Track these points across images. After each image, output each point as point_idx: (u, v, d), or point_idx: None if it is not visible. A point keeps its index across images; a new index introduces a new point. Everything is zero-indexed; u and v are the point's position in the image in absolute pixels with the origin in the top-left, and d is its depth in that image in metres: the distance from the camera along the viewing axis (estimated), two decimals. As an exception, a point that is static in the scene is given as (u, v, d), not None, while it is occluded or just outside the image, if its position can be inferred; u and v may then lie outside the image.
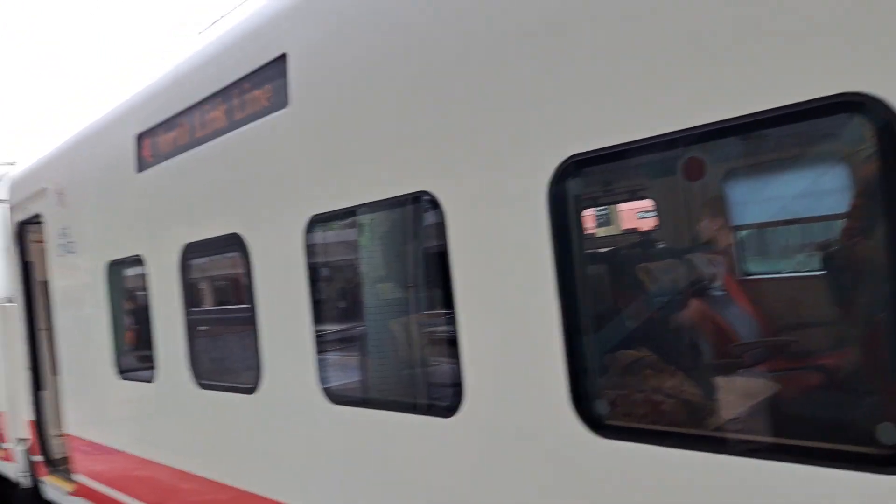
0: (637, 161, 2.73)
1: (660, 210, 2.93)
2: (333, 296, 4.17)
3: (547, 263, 2.71)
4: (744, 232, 3.73)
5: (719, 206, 3.31)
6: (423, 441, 3.39)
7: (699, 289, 3.07)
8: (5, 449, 9.40)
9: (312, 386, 3.98)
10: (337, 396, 3.90)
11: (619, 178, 2.93)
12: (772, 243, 3.83)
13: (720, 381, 2.79)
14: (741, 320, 3.28)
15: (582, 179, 2.75)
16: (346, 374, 4.06)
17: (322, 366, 3.98)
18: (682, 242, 3.09)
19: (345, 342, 4.15)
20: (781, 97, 2.09)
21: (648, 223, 3.13)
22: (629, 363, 2.86)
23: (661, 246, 2.93)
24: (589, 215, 2.88)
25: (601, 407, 2.70)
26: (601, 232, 3.20)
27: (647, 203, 2.97)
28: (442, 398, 3.34)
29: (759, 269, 3.84)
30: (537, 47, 2.75)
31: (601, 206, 3.08)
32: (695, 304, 3.06)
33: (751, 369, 2.90)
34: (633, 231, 3.33)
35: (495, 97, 2.93)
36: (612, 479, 2.62)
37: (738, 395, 2.73)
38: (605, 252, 3.22)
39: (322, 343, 3.99)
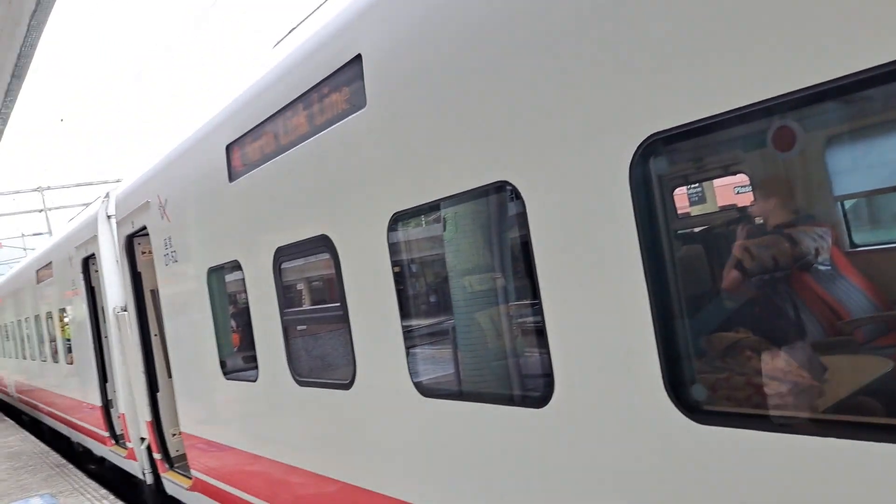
0: (721, 135, 2.61)
1: (753, 184, 2.78)
2: (420, 290, 4.21)
3: (633, 246, 2.63)
4: (849, 202, 3.50)
5: (819, 176, 3.12)
6: (514, 432, 3.38)
7: (802, 264, 2.90)
8: (129, 448, 10.06)
9: (404, 380, 4.04)
10: (427, 390, 3.94)
11: (703, 154, 2.80)
12: (881, 212, 3.58)
13: (829, 360, 2.63)
14: (850, 295, 3.08)
15: (664, 158, 2.65)
16: (436, 368, 4.09)
17: (412, 360, 4.03)
18: (780, 217, 2.92)
19: (433, 336, 4.18)
20: (885, 54, 1.94)
21: (740, 199, 2.98)
22: (728, 345, 2.74)
23: (757, 222, 2.78)
24: (673, 194, 2.77)
25: (699, 392, 2.61)
26: (688, 211, 3.07)
27: (739, 178, 2.82)
28: (533, 389, 3.31)
29: (867, 240, 3.59)
30: (605, 25, 2.67)
31: (686, 184, 2.95)
32: (798, 281, 2.90)
33: (863, 346, 2.73)
34: (722, 208, 3.18)
35: (568, 81, 2.87)
36: (711, 465, 2.52)
37: (848, 374, 2.57)
38: (693, 231, 3.09)
39: (411, 338, 4.04)
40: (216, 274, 6.57)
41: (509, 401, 3.44)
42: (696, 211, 3.06)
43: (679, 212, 2.83)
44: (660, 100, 2.52)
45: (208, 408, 7.14)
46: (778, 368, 2.61)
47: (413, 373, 4.01)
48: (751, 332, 2.70)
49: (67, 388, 13.38)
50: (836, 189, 3.22)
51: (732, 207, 3.10)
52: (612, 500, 2.95)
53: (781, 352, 2.63)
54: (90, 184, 39.47)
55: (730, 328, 2.73)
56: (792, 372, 2.60)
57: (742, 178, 2.81)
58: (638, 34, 2.57)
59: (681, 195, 2.85)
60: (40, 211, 40.60)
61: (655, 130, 2.53)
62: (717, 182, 3.16)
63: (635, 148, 2.59)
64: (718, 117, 2.36)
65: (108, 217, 9.98)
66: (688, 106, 2.43)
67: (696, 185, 2.95)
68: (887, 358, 2.53)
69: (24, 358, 17.99)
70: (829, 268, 3.01)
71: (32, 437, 16.36)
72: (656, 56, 2.51)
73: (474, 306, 3.90)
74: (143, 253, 8.78)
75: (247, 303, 5.88)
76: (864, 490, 2.14)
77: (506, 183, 3.22)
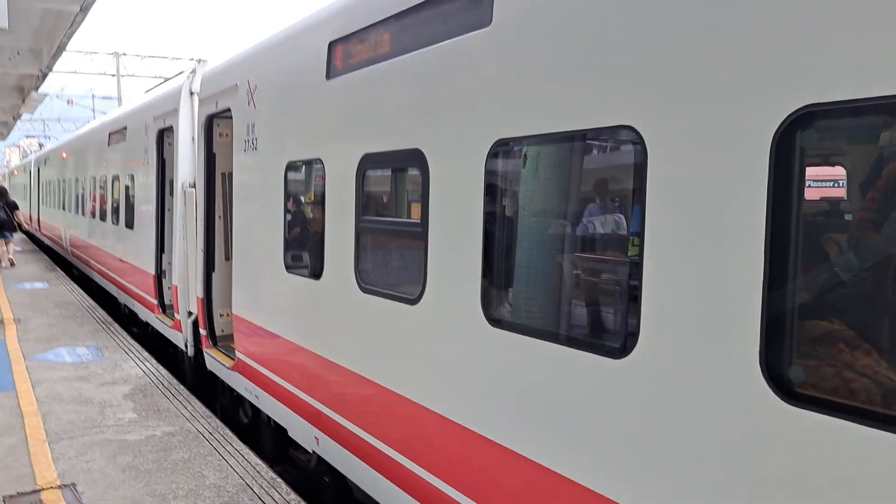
0: (873, 121, 2.49)
1: (888, 176, 2.66)
2: (508, 223, 4.19)
3: (760, 215, 2.56)
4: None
5: None
6: (584, 379, 3.40)
7: None
8: (175, 319, 10.46)
9: (474, 306, 4.08)
10: (497, 321, 3.97)
11: (849, 136, 2.69)
12: None
13: None
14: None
15: (812, 133, 2.55)
16: (510, 302, 4.11)
17: (486, 289, 4.05)
18: None
19: (512, 271, 4.19)
20: None
21: (876, 190, 2.86)
22: (828, 333, 2.69)
23: (887, 215, 2.68)
24: (814, 173, 2.67)
25: (795, 373, 2.58)
26: (823, 193, 2.96)
27: (878, 169, 2.70)
28: (612, 339, 3.31)
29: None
30: None
31: (826, 164, 2.84)
32: None
33: None
34: (853, 198, 3.06)
35: (722, 29, 2.74)
36: (792, 446, 2.52)
37: None
38: (824, 216, 2.98)
39: (489, 268, 4.06)
40: (295, 168, 6.63)
41: (583, 346, 3.45)
42: (827, 194, 2.95)
43: (813, 191, 2.73)
44: (821, 70, 2.40)
45: (265, 296, 7.34)
46: (867, 365, 2.56)
47: (485, 302, 4.04)
48: (846, 324, 2.64)
49: (124, 252, 13.86)
50: None
51: (866, 198, 2.98)
52: (679, 468, 2.98)
53: (873, 349, 2.57)
54: (165, 57, 39.87)
55: (838, 317, 2.66)
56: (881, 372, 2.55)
57: (883, 170, 2.68)
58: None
59: (817, 174, 2.74)
60: (112, 75, 41.29)
61: (812, 101, 2.43)
62: (851, 168, 3.03)
63: (786, 116, 2.49)
64: (880, 100, 2.24)
65: (192, 93, 10.09)
66: (849, 82, 2.32)
67: (837, 167, 2.84)
68: None
69: (83, 214, 18.61)
70: None
71: (81, 290, 17.10)
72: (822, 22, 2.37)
73: (566, 249, 3.88)
74: (222, 135, 8.89)
75: (322, 202, 5.95)
76: None
77: (630, 128, 3.14)
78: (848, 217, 3.00)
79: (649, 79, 3.08)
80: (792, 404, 2.52)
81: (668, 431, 3.00)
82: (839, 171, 2.85)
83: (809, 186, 2.64)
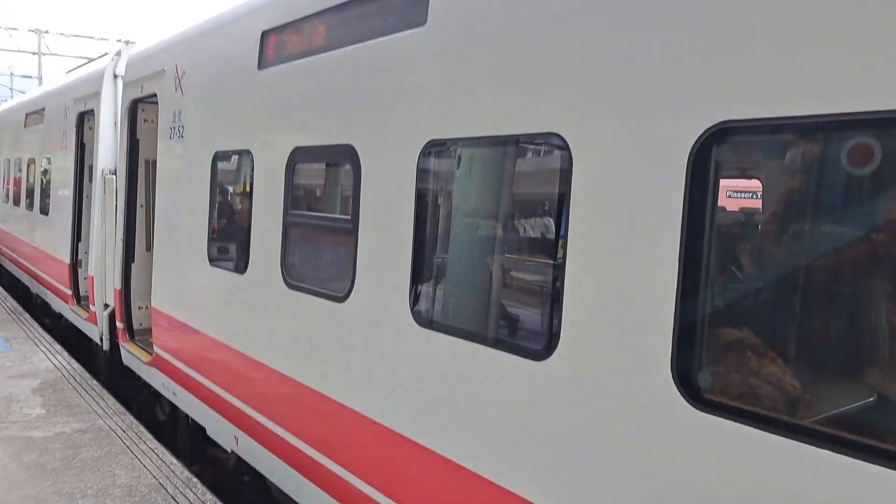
0: (787, 137, 2.60)
1: (803, 193, 2.79)
2: (437, 224, 4.19)
3: (675, 225, 2.64)
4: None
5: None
6: (506, 380, 3.42)
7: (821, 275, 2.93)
8: (91, 311, 10.01)
9: (402, 305, 4.05)
10: (425, 321, 3.96)
11: (764, 151, 2.80)
12: None
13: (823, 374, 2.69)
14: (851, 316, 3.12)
15: (729, 148, 2.64)
16: (439, 302, 4.10)
17: (414, 289, 4.03)
18: (812, 231, 2.94)
19: (440, 270, 4.18)
20: None
21: (785, 206, 2.99)
22: (736, 341, 2.79)
23: (792, 231, 2.80)
24: (727, 186, 2.77)
25: (703, 379, 2.66)
26: (740, 204, 3.07)
27: (791, 183, 2.82)
28: (535, 342, 3.35)
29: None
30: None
31: (744, 178, 2.94)
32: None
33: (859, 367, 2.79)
34: (766, 211, 3.19)
35: (650, 47, 2.81)
36: (698, 451, 2.60)
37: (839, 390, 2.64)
38: (737, 226, 3.09)
39: (418, 267, 4.04)
40: (223, 158, 6.45)
41: (507, 348, 3.47)
42: (748, 206, 3.06)
43: (725, 204, 2.83)
44: (738, 86, 2.49)
45: (186, 289, 7.11)
46: (772, 373, 2.67)
47: (413, 301, 4.02)
48: (758, 333, 2.75)
49: (37, 239, 13.20)
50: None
51: (779, 208, 3.11)
52: (591, 467, 3.03)
53: (779, 357, 2.68)
54: (91, 37, 38.24)
55: (744, 325, 2.76)
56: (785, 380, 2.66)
57: (795, 181, 2.80)
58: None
59: (730, 187, 2.84)
60: (34, 53, 39.35)
61: (729, 118, 2.51)
62: (765, 181, 3.15)
63: (702, 132, 2.57)
64: (798, 119, 2.34)
65: (116, 76, 9.68)
66: (765, 100, 2.40)
67: (753, 181, 2.95)
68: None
69: None
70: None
71: (-11, 279, 16.21)
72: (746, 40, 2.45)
73: (492, 250, 3.89)
74: (146, 121, 8.57)
75: (250, 194, 5.80)
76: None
77: (556, 136, 3.18)
78: (758, 229, 3.12)
79: (576, 88, 3.12)
80: (699, 409, 2.59)
81: (584, 434, 3.06)
82: (755, 185, 2.96)
83: (729, 197, 2.73)
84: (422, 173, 4.01)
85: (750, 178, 2.98)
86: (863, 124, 2.27)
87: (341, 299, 4.63)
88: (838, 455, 2.23)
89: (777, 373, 2.66)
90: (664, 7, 2.78)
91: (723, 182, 2.72)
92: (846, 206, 2.57)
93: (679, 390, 2.67)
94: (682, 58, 2.70)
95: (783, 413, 2.56)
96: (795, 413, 2.57)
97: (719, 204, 2.70)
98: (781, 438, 2.39)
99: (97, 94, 9.94)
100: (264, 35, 5.69)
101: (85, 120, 10.72)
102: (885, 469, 2.12)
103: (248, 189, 5.90)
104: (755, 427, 2.46)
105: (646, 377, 2.77)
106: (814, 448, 2.29)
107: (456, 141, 3.86)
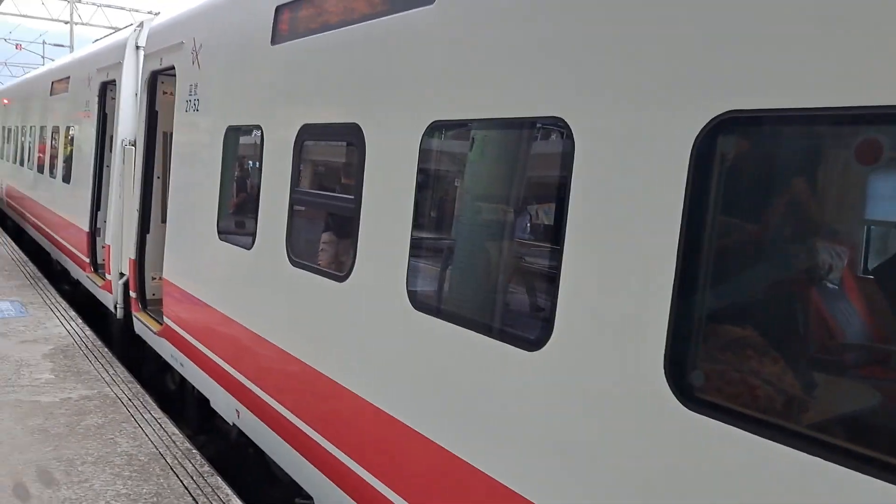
0: (795, 130, 2.51)
1: (808, 190, 2.69)
2: (437, 207, 4.14)
3: (676, 218, 2.56)
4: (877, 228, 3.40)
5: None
6: (499, 369, 3.38)
7: (816, 278, 2.83)
8: (107, 280, 10.13)
9: (399, 288, 4.02)
10: (420, 304, 3.92)
11: (771, 144, 2.69)
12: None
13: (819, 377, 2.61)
14: (850, 319, 3.03)
15: (732, 139, 2.55)
16: (435, 285, 4.06)
17: (412, 270, 3.99)
18: (815, 228, 2.84)
19: (440, 254, 4.14)
20: None
21: (788, 202, 2.89)
22: (732, 340, 2.71)
23: (793, 227, 2.70)
24: (731, 178, 2.67)
25: (695, 378, 2.59)
26: (738, 199, 2.96)
27: (796, 179, 2.72)
28: (529, 332, 3.30)
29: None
30: None
31: (748, 170, 2.83)
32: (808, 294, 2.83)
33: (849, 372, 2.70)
34: (769, 207, 3.07)
35: (657, 34, 2.72)
36: (689, 450, 2.54)
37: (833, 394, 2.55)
38: (740, 222, 2.98)
39: (417, 248, 3.99)
40: (235, 133, 6.44)
41: (500, 336, 3.42)
42: (743, 200, 2.95)
43: (732, 198, 2.73)
44: (744, 76, 2.40)
45: (195, 262, 7.14)
46: (773, 373, 2.59)
47: (410, 283, 3.98)
48: (755, 332, 2.67)
49: (59, 206, 13.36)
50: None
51: (781, 208, 3.01)
52: (581, 462, 2.98)
53: (781, 358, 2.60)
54: (122, 8, 38.49)
55: (739, 324, 2.68)
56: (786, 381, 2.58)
57: (798, 181, 2.70)
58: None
59: (734, 179, 2.74)
60: (66, 22, 39.70)
61: (734, 108, 2.42)
62: (768, 176, 3.03)
63: (709, 120, 2.49)
64: (803, 111, 2.25)
65: (137, 47, 9.71)
66: (772, 90, 2.31)
67: (755, 174, 2.84)
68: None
69: (21, 165, 17.89)
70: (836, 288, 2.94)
71: (13, 243, 16.46)
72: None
73: (490, 235, 3.84)
74: (165, 93, 8.59)
75: (259, 171, 5.79)
76: None
77: (559, 120, 3.11)
78: (763, 225, 3.02)
79: (580, 72, 3.04)
80: (690, 408, 2.53)
81: (573, 426, 3.01)
82: (760, 179, 2.85)
83: (729, 192, 2.64)
84: (424, 154, 3.95)
85: (754, 172, 2.86)
86: (873, 119, 2.18)
87: (342, 279, 4.61)
88: (828, 462, 2.15)
89: (777, 372, 2.58)
90: None
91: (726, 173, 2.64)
92: (853, 202, 2.48)
93: (671, 388, 2.60)
94: (690, 44, 2.61)
95: (775, 415, 2.50)
96: (791, 414, 2.50)
97: (721, 195, 2.61)
98: (772, 434, 2.31)
99: (119, 65, 9.99)
100: (278, 10, 5.64)
101: (107, 90, 10.78)
102: (880, 472, 2.04)
103: (257, 165, 5.89)
104: (742, 428, 2.40)
105: (639, 374, 2.71)
106: (804, 453, 2.22)
107: (459, 122, 3.79)
